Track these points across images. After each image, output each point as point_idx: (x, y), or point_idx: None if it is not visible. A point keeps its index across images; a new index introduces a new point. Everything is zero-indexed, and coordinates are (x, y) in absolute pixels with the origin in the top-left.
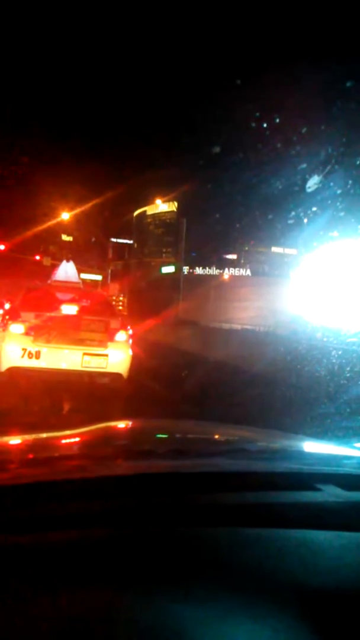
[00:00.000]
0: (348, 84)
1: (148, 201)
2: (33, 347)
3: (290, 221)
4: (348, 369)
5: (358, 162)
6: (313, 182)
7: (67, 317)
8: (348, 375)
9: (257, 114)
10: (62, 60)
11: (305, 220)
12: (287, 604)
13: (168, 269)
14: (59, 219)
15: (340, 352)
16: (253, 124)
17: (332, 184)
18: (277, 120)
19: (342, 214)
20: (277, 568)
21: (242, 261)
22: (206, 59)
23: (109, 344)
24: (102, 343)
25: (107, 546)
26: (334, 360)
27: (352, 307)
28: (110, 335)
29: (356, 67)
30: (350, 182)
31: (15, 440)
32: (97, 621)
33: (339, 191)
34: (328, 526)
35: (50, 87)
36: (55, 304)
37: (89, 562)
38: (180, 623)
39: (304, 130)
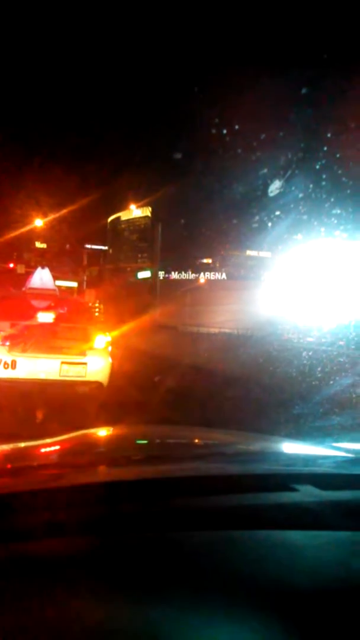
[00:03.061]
0: (304, 91)
1: (122, 207)
2: (9, 357)
3: (255, 225)
4: (319, 369)
5: (317, 167)
6: (275, 187)
7: (44, 325)
8: (320, 375)
9: (217, 120)
10: (33, 67)
11: (270, 224)
12: (266, 604)
13: (144, 274)
14: (32, 226)
15: (310, 353)
16: (214, 130)
17: (294, 188)
18: (237, 127)
19: (304, 217)
20: (255, 569)
21: (218, 265)
22: (174, 67)
23: (88, 351)
24: (80, 351)
25: (86, 554)
26: (305, 362)
27: (323, 307)
28: (88, 343)
29: (312, 75)
30: (310, 186)
31: None
32: (78, 629)
33: (300, 195)
34: (306, 526)
35: (24, 95)
36: (31, 312)
37: (67, 571)
38: (160, 627)
39: (262, 136)
